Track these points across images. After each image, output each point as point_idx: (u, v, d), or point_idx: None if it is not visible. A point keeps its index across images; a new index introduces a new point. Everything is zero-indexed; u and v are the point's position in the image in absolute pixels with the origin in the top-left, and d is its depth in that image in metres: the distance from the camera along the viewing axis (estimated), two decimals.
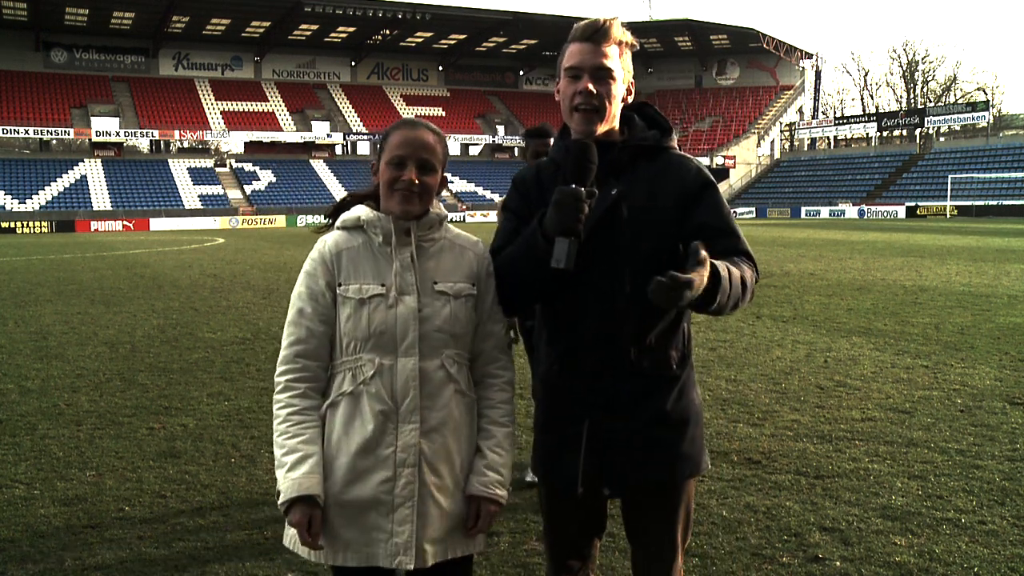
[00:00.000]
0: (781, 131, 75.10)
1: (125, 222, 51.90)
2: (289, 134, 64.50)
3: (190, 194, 57.57)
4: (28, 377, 7.51)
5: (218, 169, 61.72)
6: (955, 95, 79.83)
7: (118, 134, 59.10)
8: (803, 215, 58.58)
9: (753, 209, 61.99)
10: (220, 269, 19.68)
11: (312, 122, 65.35)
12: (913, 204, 54.26)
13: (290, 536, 2.06)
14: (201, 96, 65.11)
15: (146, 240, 37.64)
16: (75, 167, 56.99)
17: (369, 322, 2.02)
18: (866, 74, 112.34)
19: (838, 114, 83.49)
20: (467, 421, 2.11)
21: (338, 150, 67.04)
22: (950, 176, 54.23)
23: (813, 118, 75.08)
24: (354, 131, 66.55)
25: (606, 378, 2.12)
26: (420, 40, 69.21)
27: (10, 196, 52.49)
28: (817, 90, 75.66)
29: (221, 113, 64.05)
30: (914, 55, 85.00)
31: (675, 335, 2.17)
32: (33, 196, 53.18)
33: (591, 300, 2.11)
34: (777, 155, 74.09)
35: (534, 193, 2.21)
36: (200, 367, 7.89)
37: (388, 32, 65.84)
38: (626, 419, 2.12)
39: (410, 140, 2.06)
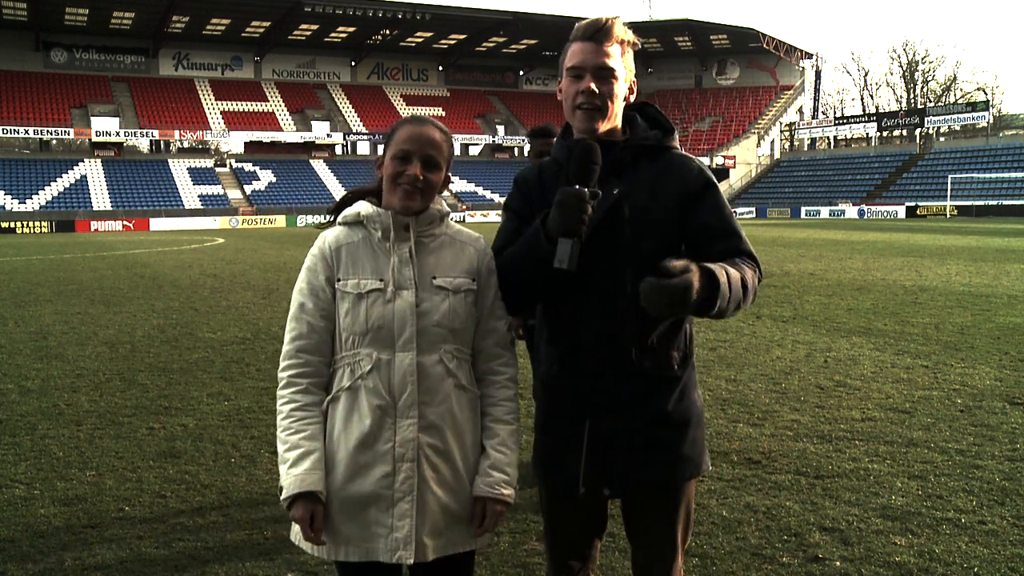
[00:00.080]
0: (781, 131, 75.11)
1: (125, 222, 51.90)
2: (289, 134, 64.50)
3: (190, 194, 57.58)
4: (28, 377, 7.51)
5: (218, 169, 61.73)
6: (955, 95, 79.88)
7: (118, 134, 59.11)
8: (803, 215, 58.59)
9: (753, 209, 62.00)
10: (220, 269, 19.68)
11: (312, 122, 65.36)
12: (913, 204, 54.26)
13: (295, 532, 2.07)
14: (201, 96, 65.12)
15: (146, 240, 37.64)
16: (75, 167, 56.99)
17: (367, 317, 2.02)
18: (866, 74, 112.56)
19: (838, 114, 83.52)
20: (468, 416, 2.11)
21: (338, 150, 67.05)
22: (950, 176, 54.24)
23: (813, 118, 75.10)
24: (354, 131, 66.56)
25: (607, 378, 2.12)
26: (420, 40, 69.22)
27: (10, 196, 52.49)
28: (817, 90, 75.68)
29: (221, 113, 64.05)
30: (914, 55, 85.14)
31: (677, 335, 2.17)
32: (33, 196, 53.19)
33: (592, 300, 2.11)
34: (777, 155, 74.10)
35: (536, 193, 2.21)
36: (200, 367, 7.89)
37: (388, 32, 65.85)
38: (627, 419, 2.12)
39: (417, 136, 2.06)
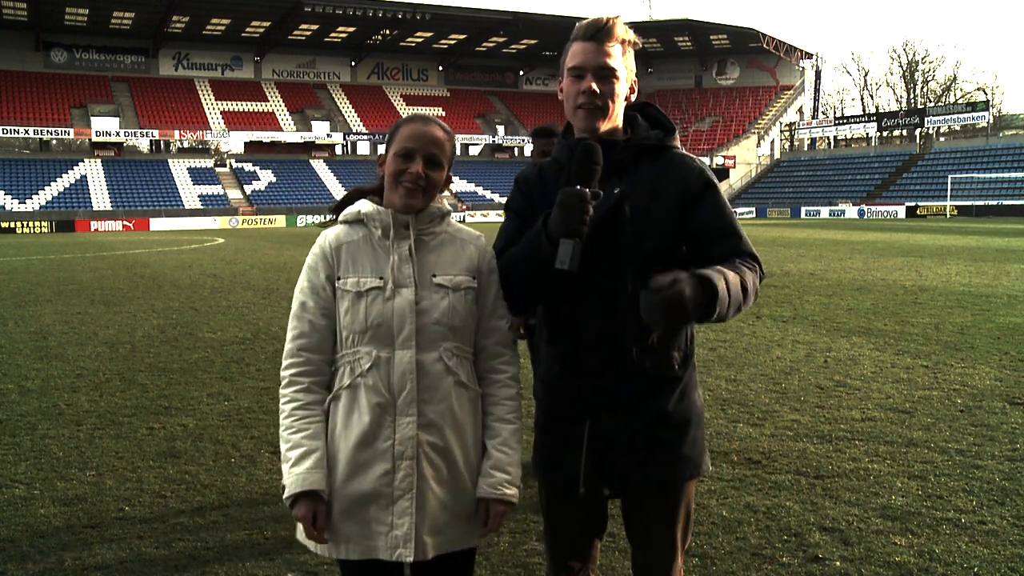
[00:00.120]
0: (781, 131, 75.11)
1: (125, 222, 51.90)
2: (289, 134, 64.50)
3: (190, 194, 57.58)
4: (28, 377, 7.51)
5: (218, 169, 61.73)
6: (955, 95, 79.89)
7: (118, 134, 59.10)
8: (803, 215, 58.59)
9: (753, 209, 62.00)
10: (220, 269, 19.68)
11: (312, 122, 65.36)
12: (913, 204, 54.27)
13: (301, 530, 2.08)
14: (201, 96, 65.11)
15: (146, 240, 37.64)
16: (75, 167, 56.99)
17: (366, 315, 2.02)
18: (866, 74, 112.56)
19: (838, 114, 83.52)
20: (469, 414, 2.10)
21: (338, 150, 67.05)
22: (950, 176, 54.24)
23: (813, 118, 75.10)
24: (354, 131, 66.56)
25: (608, 378, 2.12)
26: (420, 40, 69.22)
27: (10, 196, 52.49)
28: (817, 90, 75.68)
29: (221, 113, 64.06)
30: (914, 55, 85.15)
31: (678, 335, 2.17)
32: (33, 196, 53.18)
33: (593, 299, 2.11)
34: (777, 155, 74.10)
35: (537, 193, 2.21)
36: (200, 367, 7.89)
37: (388, 32, 65.84)
38: (627, 419, 2.12)
39: (420, 134, 2.07)
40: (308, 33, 65.69)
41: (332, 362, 2.09)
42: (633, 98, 2.21)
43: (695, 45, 73.99)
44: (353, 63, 71.66)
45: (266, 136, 64.15)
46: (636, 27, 2.28)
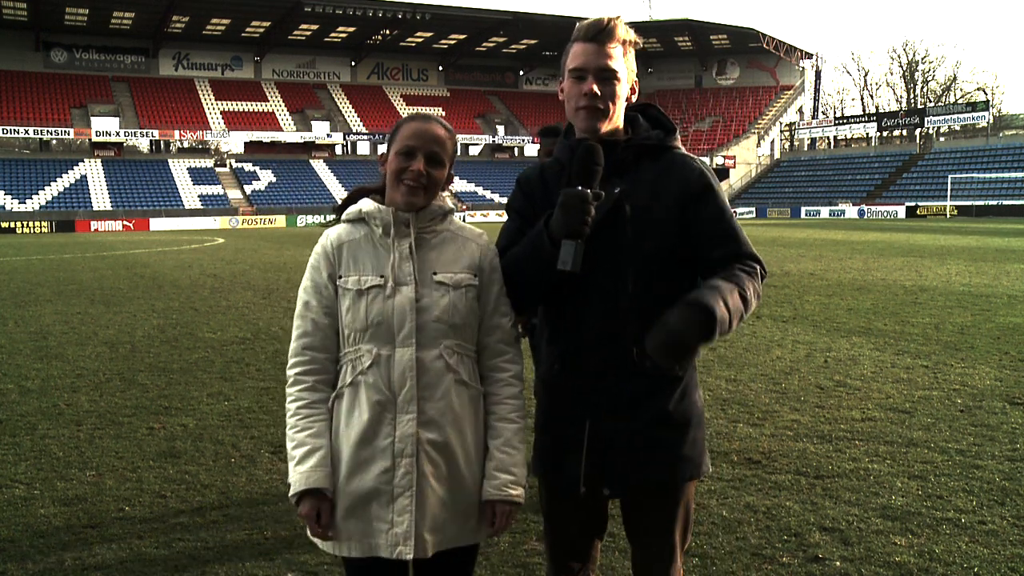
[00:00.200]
0: (781, 131, 75.10)
1: (125, 222, 51.89)
2: (289, 134, 64.49)
3: (190, 194, 57.58)
4: (28, 377, 7.51)
5: (218, 169, 61.72)
6: (955, 95, 79.88)
7: (118, 134, 59.09)
8: (803, 215, 58.59)
9: (753, 209, 62.01)
10: (220, 269, 19.68)
11: (312, 122, 65.35)
12: (913, 204, 54.26)
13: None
14: (201, 96, 65.11)
15: (146, 240, 37.64)
16: (75, 167, 56.99)
17: (367, 313, 2.03)
18: (866, 74, 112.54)
19: (838, 114, 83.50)
20: (470, 411, 2.10)
21: (338, 150, 67.04)
22: (950, 176, 54.24)
23: (813, 118, 75.09)
24: (354, 131, 66.56)
25: (608, 378, 2.12)
26: (420, 40, 69.20)
27: (10, 196, 52.48)
28: (817, 90, 75.68)
29: (221, 113, 64.05)
30: (914, 55, 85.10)
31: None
32: (33, 196, 53.18)
33: (594, 299, 2.11)
34: (777, 155, 74.10)
35: (538, 193, 2.21)
36: (200, 367, 7.89)
37: (388, 32, 65.83)
38: (627, 419, 2.12)
39: (421, 132, 2.07)
40: (308, 33, 65.68)
41: (337, 360, 2.10)
42: (634, 99, 2.21)
43: (695, 45, 73.98)
44: (353, 63, 71.65)
45: (266, 136, 64.14)
46: (636, 27, 2.27)
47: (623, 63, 2.11)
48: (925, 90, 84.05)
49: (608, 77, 2.08)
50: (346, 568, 2.16)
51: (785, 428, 5.56)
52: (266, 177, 61.50)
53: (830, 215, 57.09)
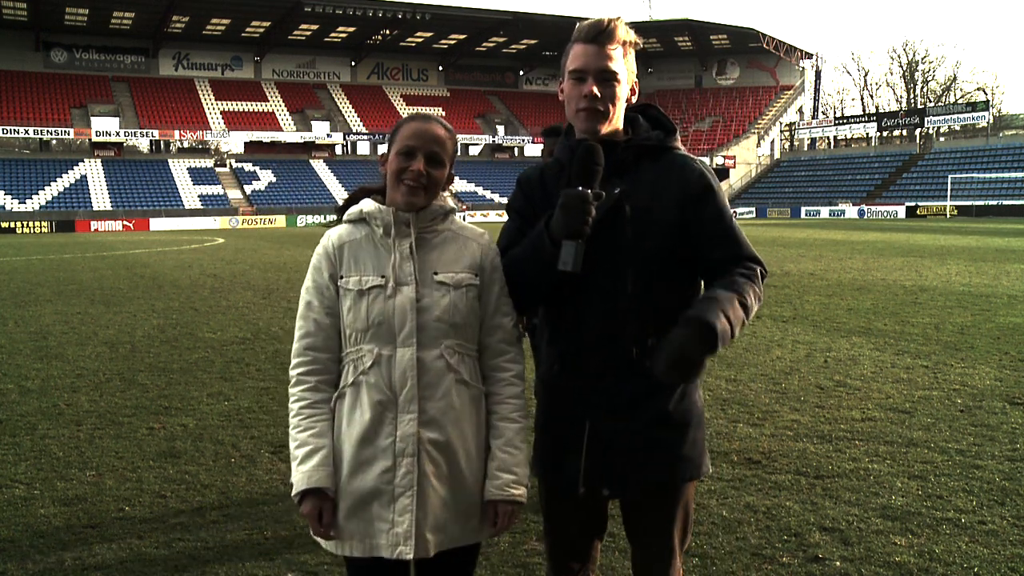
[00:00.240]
0: (781, 131, 75.10)
1: (125, 222, 51.89)
2: (289, 134, 64.49)
3: (190, 194, 57.57)
4: (28, 377, 7.51)
5: (218, 169, 61.73)
6: (955, 95, 79.88)
7: (118, 134, 59.09)
8: (803, 215, 58.59)
9: (753, 209, 62.01)
10: (220, 269, 19.68)
11: (312, 122, 65.35)
12: (913, 204, 54.26)
13: None
14: (201, 96, 65.10)
15: (146, 240, 37.64)
16: (75, 167, 56.99)
17: (368, 313, 2.04)
18: (866, 74, 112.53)
19: (838, 114, 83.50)
20: (471, 411, 2.10)
21: (338, 150, 67.04)
22: (950, 176, 54.24)
23: (813, 118, 75.08)
24: (354, 131, 66.55)
25: (608, 378, 2.12)
26: (420, 40, 69.20)
27: (10, 196, 52.49)
28: (817, 90, 75.67)
29: (221, 113, 64.05)
30: (914, 55, 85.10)
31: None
32: (33, 196, 53.18)
33: (594, 300, 2.11)
34: (777, 155, 74.10)
35: (538, 194, 2.21)
36: (200, 367, 7.89)
37: (388, 32, 65.83)
38: (627, 420, 2.12)
39: (421, 132, 2.08)
40: (308, 33, 65.68)
41: (339, 360, 2.11)
42: (634, 99, 2.21)
43: (695, 45, 73.97)
44: (353, 63, 71.64)
45: (266, 136, 64.14)
46: (636, 27, 2.27)
47: (623, 64, 2.11)
48: (925, 90, 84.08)
49: (608, 79, 2.07)
50: (348, 568, 2.17)
51: (785, 428, 5.56)
52: (266, 177, 61.50)
53: (830, 215, 57.09)
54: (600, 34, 2.07)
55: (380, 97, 71.53)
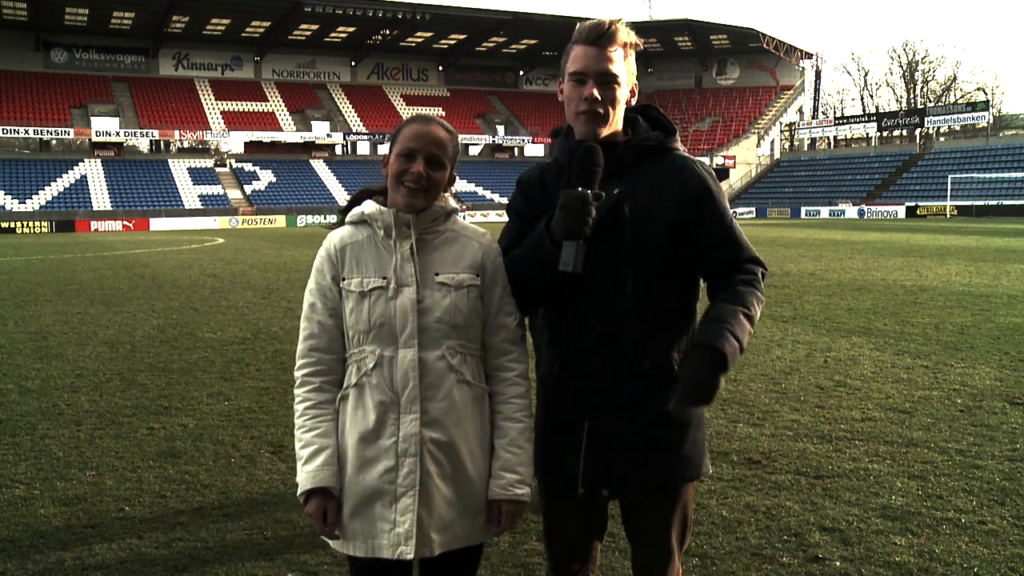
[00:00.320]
0: (781, 131, 75.10)
1: (125, 222, 51.90)
2: (289, 134, 64.49)
3: (190, 194, 57.58)
4: (28, 377, 7.51)
5: (218, 169, 61.73)
6: (955, 95, 79.88)
7: (118, 134, 59.09)
8: (803, 215, 58.59)
9: (753, 209, 62.01)
10: (220, 269, 19.68)
11: (312, 122, 65.35)
12: (913, 204, 54.26)
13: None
14: (201, 96, 65.11)
15: (146, 240, 37.64)
16: (75, 167, 56.99)
17: (370, 314, 2.05)
18: (866, 74, 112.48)
19: (838, 114, 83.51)
20: (474, 411, 2.11)
21: (338, 150, 67.05)
22: (950, 176, 54.24)
23: (813, 118, 75.09)
24: (354, 131, 66.55)
25: (608, 379, 2.12)
26: (420, 40, 69.20)
27: (10, 196, 52.49)
28: (817, 90, 75.67)
29: (221, 113, 64.05)
30: (914, 55, 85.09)
31: (678, 336, 2.17)
32: (33, 196, 53.18)
33: (594, 300, 2.11)
34: (777, 155, 74.10)
35: (538, 195, 2.21)
36: (200, 367, 7.89)
37: (388, 32, 65.83)
38: (626, 420, 2.12)
39: (422, 134, 2.08)
40: (308, 33, 65.68)
41: (343, 360, 2.12)
42: (634, 101, 2.21)
43: (695, 45, 73.97)
44: (353, 63, 71.65)
45: (266, 136, 64.14)
46: (636, 27, 2.27)
47: (623, 67, 2.11)
48: (925, 90, 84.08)
49: (608, 81, 2.07)
50: (350, 567, 2.17)
51: (785, 428, 5.56)
52: (266, 177, 61.51)
53: (830, 215, 57.09)
54: (601, 36, 2.07)
55: (380, 97, 71.54)
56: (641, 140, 2.16)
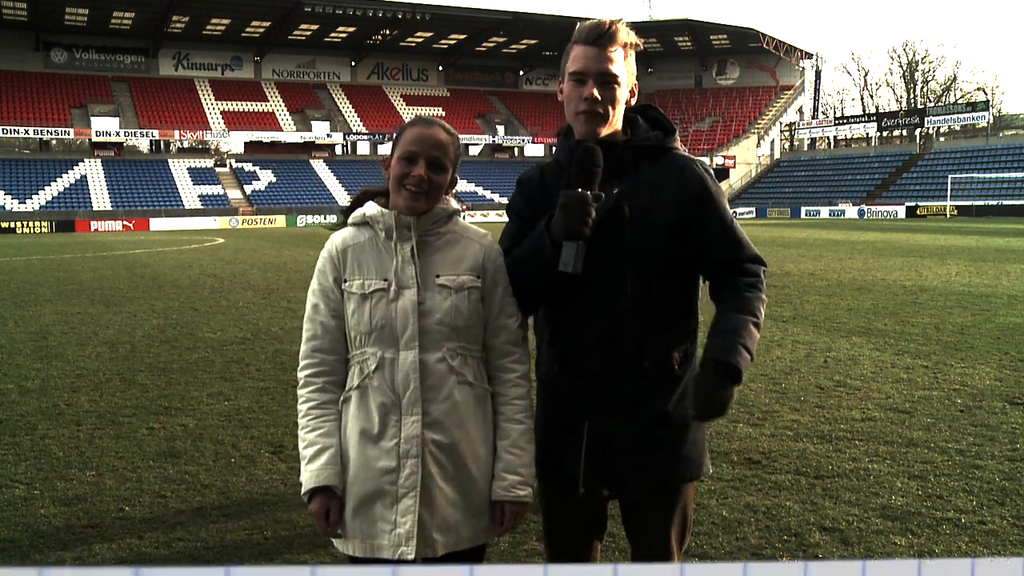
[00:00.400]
0: (781, 131, 75.08)
1: (125, 222, 51.88)
2: (289, 134, 64.47)
3: (190, 194, 57.57)
4: (28, 377, 7.51)
5: (218, 169, 61.71)
6: (955, 95, 79.85)
7: (118, 134, 59.06)
8: (803, 215, 58.58)
9: (753, 209, 62.00)
10: (220, 269, 19.68)
11: (312, 122, 65.33)
12: (913, 204, 54.26)
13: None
14: (201, 96, 65.09)
15: (146, 240, 37.63)
16: (75, 167, 56.98)
17: (371, 316, 2.06)
18: (866, 74, 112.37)
19: (838, 114, 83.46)
20: (477, 411, 2.11)
21: (338, 150, 67.03)
22: (950, 176, 54.22)
23: (813, 118, 75.07)
24: (354, 131, 66.54)
25: (607, 379, 2.12)
26: (420, 40, 69.19)
27: (10, 196, 52.47)
28: (817, 90, 75.65)
29: (221, 113, 64.03)
30: (914, 55, 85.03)
31: (678, 336, 2.17)
32: (33, 196, 53.17)
33: (594, 300, 2.11)
34: (777, 155, 74.08)
35: (538, 195, 2.21)
36: (200, 367, 7.89)
37: (388, 32, 65.81)
38: (626, 420, 2.12)
39: (424, 137, 2.08)
40: (308, 33, 65.66)
41: (346, 361, 2.13)
42: (634, 101, 2.21)
43: (695, 45, 73.95)
44: (353, 63, 71.62)
45: (266, 136, 64.12)
46: (636, 27, 2.27)
47: (624, 67, 2.11)
48: (925, 90, 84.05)
49: (609, 81, 2.07)
50: None
51: (785, 428, 5.56)
52: (266, 177, 61.48)
53: (830, 215, 57.08)
54: (601, 36, 2.07)
55: (380, 97, 71.52)
56: (641, 140, 2.16)
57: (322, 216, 55.62)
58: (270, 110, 66.15)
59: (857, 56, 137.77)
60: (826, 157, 68.76)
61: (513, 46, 72.00)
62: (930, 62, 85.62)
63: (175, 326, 10.48)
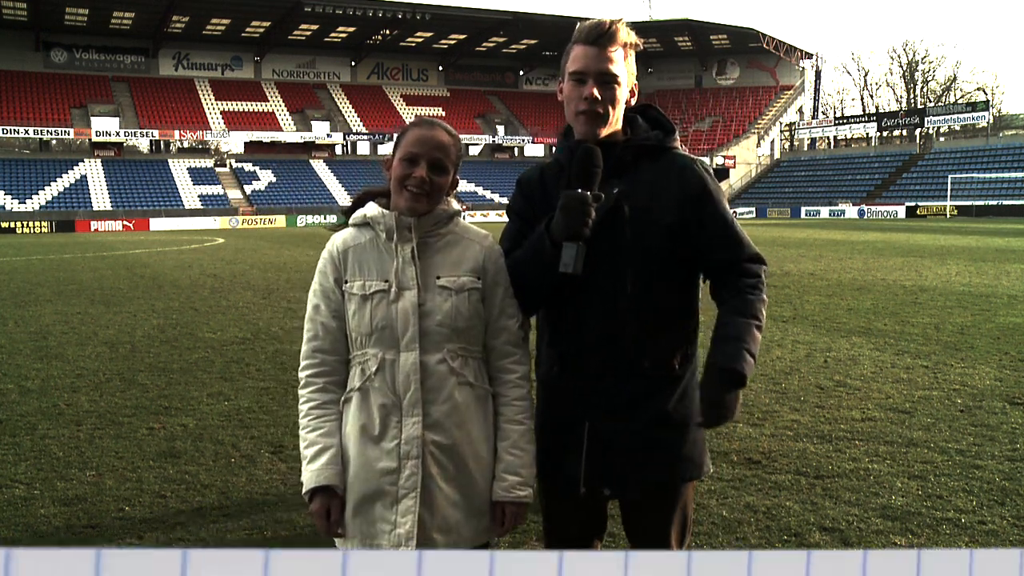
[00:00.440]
0: (781, 131, 75.08)
1: (125, 222, 51.88)
2: (289, 134, 64.48)
3: (190, 194, 57.57)
4: (28, 377, 7.51)
5: (218, 169, 61.71)
6: (955, 95, 79.86)
7: (118, 134, 59.07)
8: (803, 215, 58.58)
9: (753, 209, 62.01)
10: (220, 269, 19.68)
11: (312, 122, 65.34)
12: (913, 204, 54.26)
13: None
14: (201, 96, 65.10)
15: (146, 240, 37.62)
16: (75, 167, 56.98)
17: (372, 317, 2.06)
18: (866, 74, 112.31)
19: (838, 114, 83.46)
20: (478, 412, 2.11)
21: (338, 150, 67.02)
22: (950, 176, 54.23)
23: (813, 118, 75.07)
24: (354, 131, 66.55)
25: (608, 379, 2.12)
26: (420, 40, 69.19)
27: (10, 196, 52.48)
28: (817, 90, 75.65)
29: (221, 113, 64.04)
30: (914, 55, 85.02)
31: (678, 336, 2.17)
32: (33, 196, 53.17)
33: (594, 300, 2.11)
34: (777, 155, 74.09)
35: (538, 195, 2.21)
36: (200, 367, 7.89)
37: (388, 32, 65.81)
38: (626, 420, 2.12)
39: (425, 139, 2.09)
40: (308, 33, 65.66)
41: (347, 362, 2.13)
42: (633, 101, 2.20)
43: (695, 45, 73.96)
44: (353, 63, 71.63)
45: (266, 136, 64.12)
46: (636, 27, 2.27)
47: (624, 67, 2.10)
48: (925, 90, 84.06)
49: (609, 81, 2.07)
50: None
51: (785, 428, 5.56)
52: (266, 177, 61.49)
53: (830, 215, 57.09)
54: (601, 36, 2.07)
55: (380, 97, 71.53)
56: (640, 140, 2.16)
57: (322, 216, 55.62)
58: (270, 110, 66.16)
59: (857, 56, 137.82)
60: (826, 157, 68.77)
61: (513, 46, 72.00)
62: (930, 62, 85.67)
63: (175, 326, 10.48)
